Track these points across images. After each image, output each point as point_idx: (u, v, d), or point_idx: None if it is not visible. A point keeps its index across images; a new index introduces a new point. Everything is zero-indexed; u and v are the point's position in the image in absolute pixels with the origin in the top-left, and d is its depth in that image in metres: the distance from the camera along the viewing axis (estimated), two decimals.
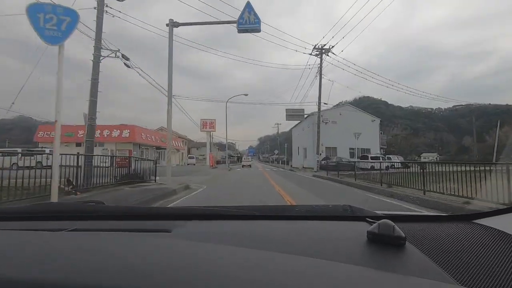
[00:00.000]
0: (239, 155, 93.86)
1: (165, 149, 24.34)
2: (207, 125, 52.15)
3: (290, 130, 47.55)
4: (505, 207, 0.83)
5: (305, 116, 30.44)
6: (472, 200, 5.65)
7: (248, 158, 48.07)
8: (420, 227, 0.79)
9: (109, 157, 11.09)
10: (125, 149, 26.88)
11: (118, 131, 26.79)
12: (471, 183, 5.90)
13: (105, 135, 26.65)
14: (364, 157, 22.26)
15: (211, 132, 52.15)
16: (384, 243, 0.63)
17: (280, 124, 66.59)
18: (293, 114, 28.53)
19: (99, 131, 26.90)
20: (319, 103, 23.35)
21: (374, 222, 0.69)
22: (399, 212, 1.05)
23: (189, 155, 49.51)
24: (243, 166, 37.00)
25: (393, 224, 0.65)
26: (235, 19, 9.49)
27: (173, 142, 38.28)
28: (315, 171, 21.42)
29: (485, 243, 0.66)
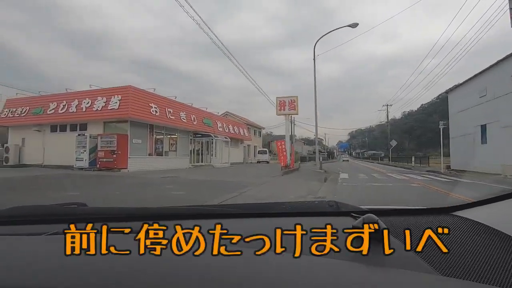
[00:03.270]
0: (327, 151, 78.91)
1: (211, 136, 17.88)
2: (285, 105, 37.19)
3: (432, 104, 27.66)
4: (481, 199, 0.81)
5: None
6: None
7: (345, 155, 38.19)
8: (402, 220, 0.80)
9: None
10: (115, 133, 14.11)
11: (104, 99, 14.33)
12: None
13: (84, 109, 14.47)
14: None
15: (292, 117, 37.09)
16: (369, 237, 0.63)
17: (391, 105, 46.62)
18: None
19: (75, 101, 14.65)
20: None
21: (359, 217, 0.72)
22: (382, 206, 1.02)
23: (259, 149, 35.21)
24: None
25: (377, 218, 0.67)
26: None
27: (228, 126, 23.84)
28: None
29: (462, 234, 0.69)
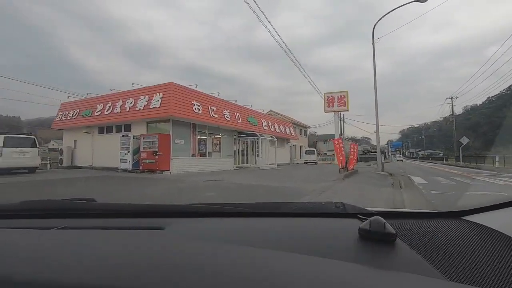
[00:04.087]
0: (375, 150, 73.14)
1: (257, 136, 17.25)
2: (334, 101, 34.29)
3: None
4: (493, 204, 0.78)
5: None
6: None
7: (399, 155, 36.05)
8: (410, 223, 0.79)
9: None
10: (157, 133, 13.37)
11: (146, 97, 13.66)
12: None
13: (128, 109, 14.00)
14: None
15: (342, 114, 34.16)
16: (376, 240, 0.63)
17: (457, 97, 40.72)
18: None
19: (119, 101, 14.30)
20: None
21: (366, 219, 0.69)
22: (390, 209, 1.00)
23: (306, 149, 32.95)
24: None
25: (384, 221, 0.65)
26: None
27: (273, 125, 22.25)
28: None
29: (472, 239, 0.67)
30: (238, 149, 18.94)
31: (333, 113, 31.98)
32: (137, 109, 13.66)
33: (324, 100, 33.10)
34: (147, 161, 12.99)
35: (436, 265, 0.57)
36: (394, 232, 0.63)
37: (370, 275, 0.49)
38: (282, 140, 24.70)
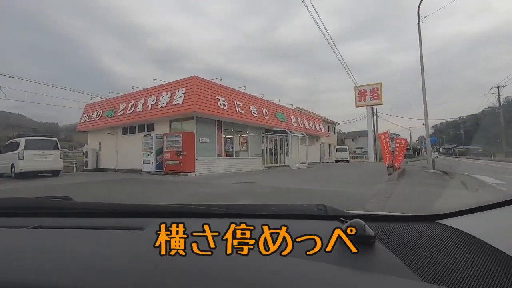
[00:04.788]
0: (412, 147, 69.86)
1: (287, 132, 16.17)
2: (366, 94, 31.55)
3: None
4: (467, 208, 0.81)
5: None
6: None
7: (434, 151, 34.12)
8: (389, 226, 0.80)
9: None
10: (181, 132, 12.37)
11: (169, 94, 12.69)
12: None
13: (150, 107, 13.14)
14: None
15: (375, 108, 31.59)
16: (355, 242, 0.63)
17: (505, 86, 36.53)
18: None
19: (141, 99, 13.52)
20: None
21: (346, 222, 0.70)
22: (369, 212, 1.02)
23: (337, 147, 30.85)
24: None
25: (364, 223, 0.66)
26: None
27: (302, 121, 20.73)
28: None
29: (445, 242, 0.68)
30: (266, 148, 17.62)
31: (364, 108, 30.03)
32: (159, 106, 12.77)
33: (355, 94, 31.03)
34: (170, 162, 12.05)
35: (412, 266, 0.59)
36: (373, 235, 0.64)
37: (348, 277, 0.51)
38: (312, 137, 23.03)
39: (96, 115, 16.16)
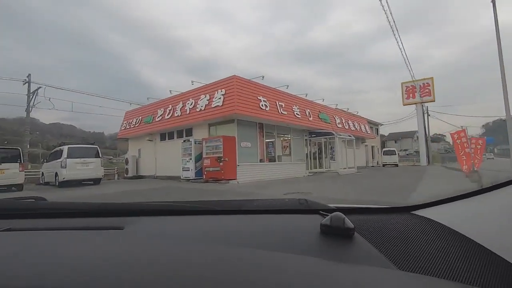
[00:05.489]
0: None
1: (333, 135, 15.00)
2: (415, 91, 28.47)
3: None
4: (438, 199, 0.82)
5: None
6: None
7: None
8: (367, 218, 0.82)
9: None
10: (221, 136, 11.49)
11: (207, 96, 11.91)
12: None
13: (188, 110, 12.47)
14: None
15: (425, 105, 28.48)
16: (336, 234, 0.66)
17: None
18: None
19: (179, 103, 12.97)
20: None
21: (327, 215, 0.71)
22: (349, 205, 1.00)
23: (385, 149, 28.23)
24: None
25: (344, 216, 0.67)
26: None
27: (347, 122, 19.06)
28: None
29: (418, 231, 0.71)
30: (309, 152, 16.23)
31: (410, 107, 27.27)
32: (197, 110, 12.07)
33: (402, 91, 28.30)
34: (210, 169, 11.22)
35: (389, 256, 0.61)
36: (353, 227, 0.66)
37: (329, 268, 0.51)
38: (357, 139, 21.14)
39: (136, 122, 16.03)
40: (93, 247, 0.57)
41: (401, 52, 17.99)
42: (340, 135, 16.14)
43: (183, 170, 12.26)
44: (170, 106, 13.73)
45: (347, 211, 0.82)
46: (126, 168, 16.71)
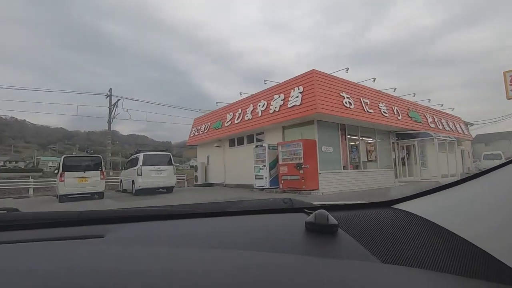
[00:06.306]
0: None
1: (431, 136, 12.90)
2: None
3: None
4: (415, 193, 0.84)
5: None
6: None
7: None
8: (350, 214, 0.82)
9: None
10: (300, 139, 10.05)
11: (282, 96, 10.63)
12: None
13: (260, 113, 11.37)
14: None
15: None
16: (320, 231, 0.67)
17: None
18: None
19: (250, 106, 12.05)
20: None
21: (311, 213, 0.71)
22: (332, 202, 1.03)
23: (485, 153, 23.35)
24: None
25: (327, 213, 0.68)
26: None
27: (440, 121, 15.91)
28: None
29: (398, 224, 0.72)
30: (397, 157, 13.77)
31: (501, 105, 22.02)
32: (271, 111, 10.94)
33: (506, 82, 23.31)
34: (288, 177, 9.90)
35: (371, 249, 0.62)
36: (336, 223, 0.67)
37: (315, 264, 0.52)
38: (451, 142, 17.61)
39: (204, 128, 15.73)
40: (71, 257, 0.55)
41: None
42: (440, 136, 13.30)
43: (256, 178, 11.20)
44: (240, 109, 12.93)
45: (331, 208, 0.87)
46: (196, 176, 16.51)
